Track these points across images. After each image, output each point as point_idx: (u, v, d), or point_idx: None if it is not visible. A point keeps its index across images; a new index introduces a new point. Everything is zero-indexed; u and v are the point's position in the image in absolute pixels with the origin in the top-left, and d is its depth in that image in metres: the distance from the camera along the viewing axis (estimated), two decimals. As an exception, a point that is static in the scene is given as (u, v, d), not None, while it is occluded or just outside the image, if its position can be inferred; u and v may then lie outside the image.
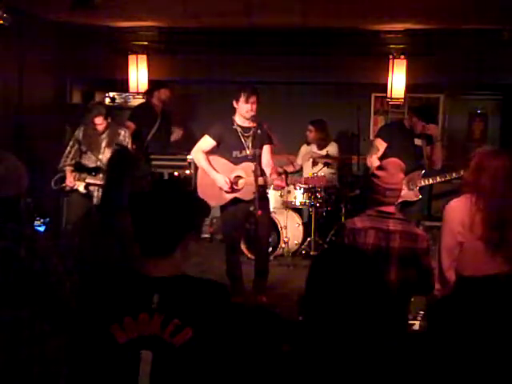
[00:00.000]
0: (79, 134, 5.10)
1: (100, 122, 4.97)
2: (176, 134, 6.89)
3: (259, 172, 4.51)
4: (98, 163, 5.04)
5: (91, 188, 5.06)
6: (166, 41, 6.88)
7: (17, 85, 6.00)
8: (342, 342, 1.62)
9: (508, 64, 6.33)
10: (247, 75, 6.49)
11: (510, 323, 2.68)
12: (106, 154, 5.05)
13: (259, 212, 4.33)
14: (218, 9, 5.61)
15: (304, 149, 6.95)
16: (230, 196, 4.63)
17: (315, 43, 6.69)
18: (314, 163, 6.63)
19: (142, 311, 1.59)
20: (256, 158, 4.50)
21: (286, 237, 6.21)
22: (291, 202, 6.43)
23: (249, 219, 4.94)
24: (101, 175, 5.05)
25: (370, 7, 5.46)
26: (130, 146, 5.18)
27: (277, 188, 5.47)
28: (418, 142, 5.17)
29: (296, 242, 6.41)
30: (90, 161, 5.08)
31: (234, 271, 4.73)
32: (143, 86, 6.88)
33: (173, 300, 1.61)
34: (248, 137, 4.61)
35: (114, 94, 7.43)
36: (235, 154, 4.61)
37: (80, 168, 5.05)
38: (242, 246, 5.87)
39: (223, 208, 4.74)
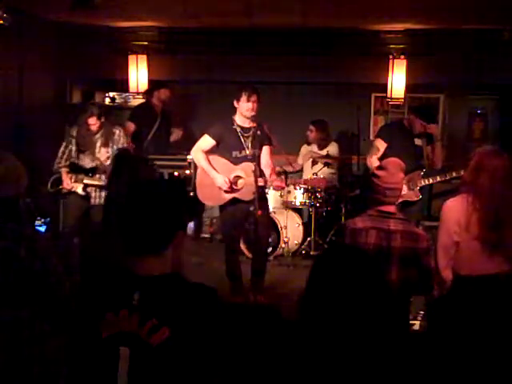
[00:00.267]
0: (72, 134, 5.06)
1: (93, 122, 4.95)
2: (175, 135, 6.89)
3: (259, 172, 4.51)
4: (95, 163, 5.03)
5: (89, 189, 5.04)
6: (166, 41, 6.89)
7: (17, 85, 6.01)
8: (344, 341, 1.62)
9: (508, 64, 6.33)
10: (247, 75, 6.49)
11: (509, 323, 2.69)
12: (101, 154, 5.03)
13: (259, 212, 4.33)
14: (218, 9, 5.62)
15: (304, 149, 6.95)
16: (229, 196, 4.63)
17: (315, 43, 6.69)
18: (314, 163, 6.64)
19: (123, 308, 1.60)
20: (255, 159, 4.50)
21: (286, 237, 6.21)
22: (291, 202, 6.43)
23: (248, 219, 4.94)
24: (98, 175, 5.04)
25: (370, 7, 5.47)
26: (125, 144, 5.16)
27: (276, 189, 5.48)
28: (418, 141, 5.17)
29: (296, 242, 6.40)
30: (85, 161, 5.06)
31: (233, 271, 4.73)
32: (143, 85, 6.88)
33: (153, 299, 1.62)
34: (248, 137, 4.61)
35: (114, 93, 7.44)
36: (235, 154, 4.61)
37: (76, 169, 5.03)
38: (242, 246, 5.86)
39: (223, 208, 4.74)
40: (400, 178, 3.03)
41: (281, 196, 6.50)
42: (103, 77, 7.24)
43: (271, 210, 6.28)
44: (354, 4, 5.36)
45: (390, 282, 2.81)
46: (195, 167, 5.69)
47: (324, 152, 6.64)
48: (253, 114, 4.53)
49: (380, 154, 5.07)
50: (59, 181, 5.03)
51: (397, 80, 6.63)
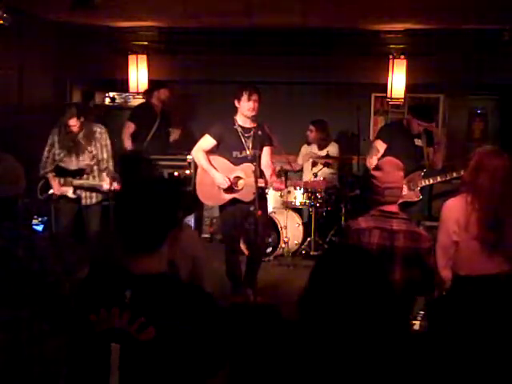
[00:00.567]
0: (54, 138, 4.99)
1: (74, 123, 4.87)
2: (175, 135, 6.89)
3: (259, 173, 4.51)
4: (80, 164, 4.99)
5: (78, 191, 5.00)
6: (166, 41, 6.89)
7: (17, 85, 6.00)
8: (344, 341, 1.62)
9: (508, 64, 6.33)
10: (247, 75, 6.48)
11: (509, 323, 2.68)
12: (86, 155, 4.98)
13: (259, 212, 4.33)
14: (218, 9, 5.61)
15: (304, 149, 6.95)
16: (229, 196, 4.63)
17: (315, 43, 6.69)
18: (314, 164, 6.65)
19: (115, 305, 1.62)
20: (256, 159, 4.50)
21: (286, 237, 6.21)
22: (291, 202, 6.43)
23: (248, 219, 4.94)
24: (85, 176, 5.01)
25: (370, 7, 5.46)
26: (108, 142, 5.08)
27: (276, 189, 5.49)
28: (418, 142, 5.16)
29: (296, 242, 6.40)
30: (71, 164, 4.98)
31: (233, 271, 4.73)
32: (143, 85, 6.88)
33: (144, 298, 1.63)
34: (248, 137, 4.61)
35: (114, 93, 7.44)
36: (235, 154, 4.61)
37: (62, 172, 4.96)
38: (242, 246, 5.86)
39: (222, 208, 4.74)
40: (397, 177, 3.01)
41: (281, 196, 6.51)
42: (103, 77, 7.24)
43: (271, 210, 6.28)
44: (354, 4, 5.36)
45: (393, 282, 2.81)
46: (195, 167, 5.69)
47: (324, 152, 6.64)
48: (253, 113, 4.53)
49: (380, 154, 5.06)
50: (48, 186, 4.95)
51: (397, 80, 6.62)
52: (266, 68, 6.72)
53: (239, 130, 4.60)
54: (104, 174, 5.03)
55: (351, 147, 6.92)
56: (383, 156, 4.96)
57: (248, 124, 4.61)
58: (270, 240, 6.20)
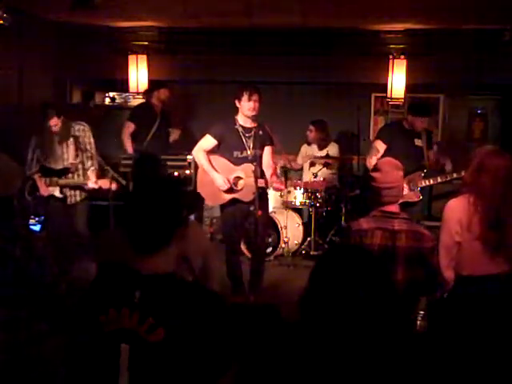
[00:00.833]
0: (36, 139, 4.96)
1: (55, 122, 4.86)
2: (174, 135, 6.88)
3: (259, 173, 4.50)
4: (65, 163, 4.98)
5: (64, 190, 4.99)
6: (166, 41, 6.89)
7: (17, 85, 6.00)
8: (344, 342, 1.61)
9: (508, 64, 6.33)
10: (247, 75, 6.48)
11: (510, 323, 2.68)
12: (70, 153, 4.97)
13: (259, 212, 4.33)
14: (218, 9, 5.61)
15: (304, 149, 6.95)
16: (229, 196, 4.63)
17: (315, 43, 6.69)
18: (312, 164, 6.65)
19: (125, 306, 1.62)
20: (257, 159, 4.49)
21: (286, 237, 6.20)
22: (291, 202, 6.43)
23: (248, 219, 4.94)
24: (70, 175, 5.00)
25: (370, 7, 5.46)
26: (92, 139, 5.06)
27: (276, 190, 5.49)
28: (418, 142, 5.17)
29: (296, 241, 6.40)
30: (55, 163, 4.97)
31: (234, 272, 4.73)
32: (143, 85, 6.87)
33: (152, 298, 1.63)
34: (249, 137, 4.61)
35: (114, 93, 7.44)
36: (236, 154, 4.60)
37: (48, 172, 4.95)
38: (242, 246, 5.86)
39: (223, 208, 4.74)
40: (396, 177, 2.99)
41: (281, 196, 6.50)
42: (103, 77, 7.23)
43: (271, 210, 6.28)
44: (354, 4, 5.36)
45: (396, 283, 2.80)
46: (195, 167, 5.68)
47: (324, 152, 6.64)
48: (254, 113, 4.53)
49: (380, 155, 5.07)
50: (35, 187, 4.93)
51: (397, 80, 6.62)
52: (266, 68, 6.72)
53: (240, 129, 4.60)
54: (89, 172, 5.02)
55: (351, 147, 6.92)
56: (383, 156, 4.97)
57: (249, 124, 4.61)
58: (270, 240, 6.20)
